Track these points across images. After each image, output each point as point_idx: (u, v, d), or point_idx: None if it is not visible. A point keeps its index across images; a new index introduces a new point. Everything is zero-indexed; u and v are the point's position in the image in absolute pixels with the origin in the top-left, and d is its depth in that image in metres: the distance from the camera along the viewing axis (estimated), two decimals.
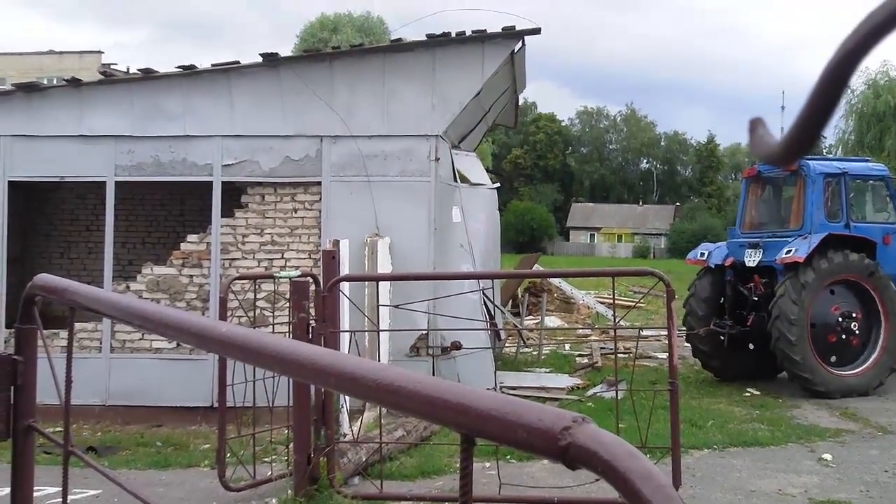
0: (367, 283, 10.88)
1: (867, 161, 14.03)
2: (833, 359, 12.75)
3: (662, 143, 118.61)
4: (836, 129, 49.09)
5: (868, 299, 12.98)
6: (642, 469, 1.14)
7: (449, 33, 11.74)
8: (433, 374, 10.63)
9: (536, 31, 11.92)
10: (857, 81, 48.27)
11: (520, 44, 12.07)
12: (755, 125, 1.09)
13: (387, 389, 1.47)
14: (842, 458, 9.21)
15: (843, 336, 12.80)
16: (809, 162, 13.58)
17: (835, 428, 10.71)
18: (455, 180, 12.28)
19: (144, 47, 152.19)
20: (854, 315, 12.86)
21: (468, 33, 11.73)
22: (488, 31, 11.73)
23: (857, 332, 12.86)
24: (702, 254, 14.34)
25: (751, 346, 14.05)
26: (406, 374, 1.47)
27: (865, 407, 11.89)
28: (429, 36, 11.77)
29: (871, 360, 12.85)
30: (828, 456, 9.26)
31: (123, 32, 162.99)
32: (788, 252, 12.56)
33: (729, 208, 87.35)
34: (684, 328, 14.17)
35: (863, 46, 0.88)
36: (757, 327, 13.19)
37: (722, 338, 13.59)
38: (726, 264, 13.84)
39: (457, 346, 11.33)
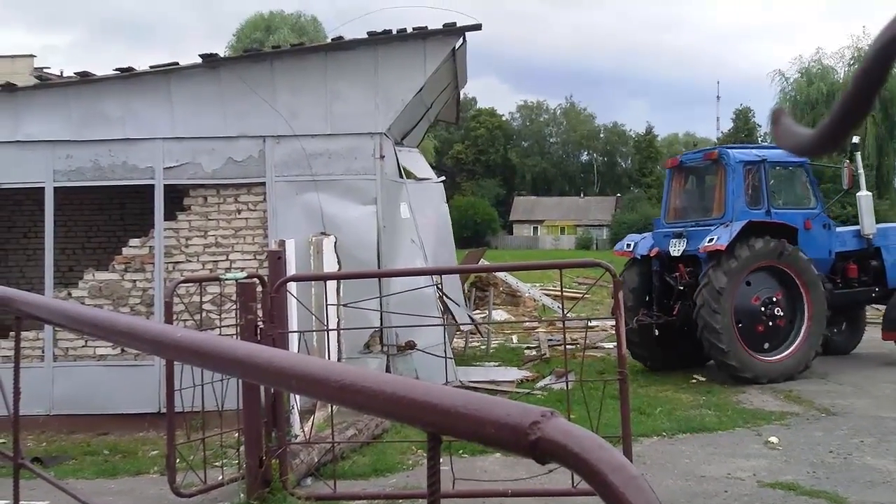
0: (313, 282, 10.81)
1: None
2: (766, 345, 12.94)
3: (602, 136, 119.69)
4: (769, 117, 50.14)
5: (788, 280, 13.13)
6: (613, 461, 1.14)
7: (390, 31, 11.72)
8: (388, 372, 10.65)
9: (477, 28, 11.95)
10: (791, 69, 49.38)
11: (461, 40, 12.09)
12: (779, 115, 1.09)
13: (351, 390, 1.46)
14: (788, 441, 9.38)
15: (770, 322, 12.97)
16: (729, 150, 13.81)
17: (780, 411, 10.91)
18: (401, 176, 12.27)
19: (76, 49, 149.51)
20: (776, 299, 13.02)
21: (409, 30, 11.72)
22: (429, 28, 11.72)
23: (782, 314, 13.02)
24: (628, 245, 14.45)
25: (675, 337, 14.10)
26: (369, 374, 1.46)
27: (809, 389, 12.14)
28: (370, 34, 11.74)
29: (795, 345, 13.01)
30: (774, 439, 9.44)
31: (53, 35, 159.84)
32: (710, 240, 12.69)
33: None
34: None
35: None
36: (683, 317, 13.34)
37: (656, 330, 13.74)
38: (651, 255, 13.97)
39: (411, 345, 11.30)
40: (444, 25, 11.79)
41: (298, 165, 11.61)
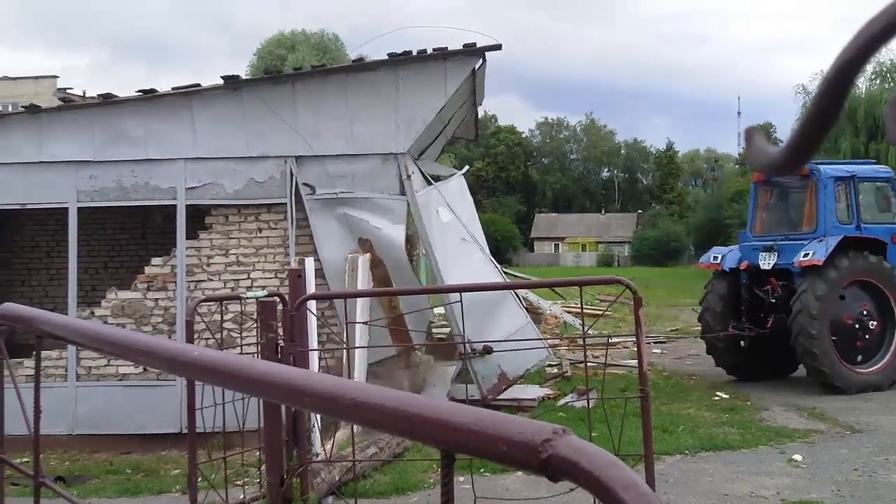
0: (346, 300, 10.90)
1: (873, 164, 14.51)
2: (850, 356, 13.12)
3: (623, 152, 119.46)
4: (792, 133, 49.83)
5: (884, 300, 13.40)
6: (625, 478, 1.14)
7: (410, 52, 11.77)
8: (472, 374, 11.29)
9: (497, 48, 11.97)
10: (813, 84, 49.15)
11: (480, 60, 12.12)
12: (751, 135, 1.10)
13: (364, 407, 1.47)
14: (812, 459, 9.30)
15: (860, 334, 13.20)
16: (820, 166, 14.02)
17: (804, 429, 10.81)
18: (428, 183, 12.37)
19: (96, 70, 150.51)
20: (871, 315, 13.27)
21: (429, 51, 11.77)
22: (449, 49, 11.77)
23: (874, 331, 13.27)
24: (714, 257, 14.75)
25: (764, 348, 14.31)
26: (383, 392, 1.46)
27: (833, 407, 12.02)
28: (390, 55, 11.79)
29: (887, 358, 13.27)
30: (798, 457, 9.35)
31: (74, 56, 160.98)
32: (806, 255, 12.94)
33: (690, 214, 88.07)
34: (698, 327, 14.89)
35: (862, 55, 0.89)
36: (777, 329, 13.49)
37: (742, 342, 14.01)
38: (741, 267, 14.16)
39: (488, 350, 11.41)
40: (464, 46, 11.83)
41: (321, 185, 11.67)
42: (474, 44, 11.86)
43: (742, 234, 15.20)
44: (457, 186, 13.00)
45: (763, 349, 14.29)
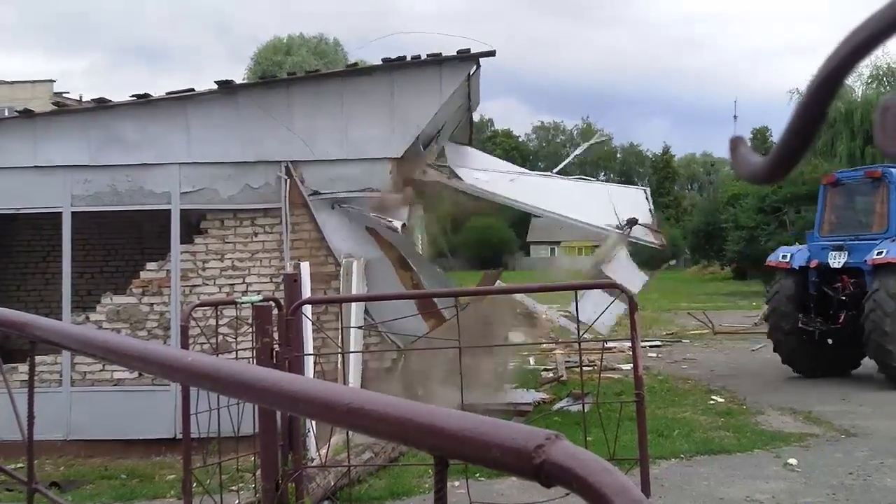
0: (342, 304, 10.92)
1: None
2: None
3: (619, 156, 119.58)
4: (777, 141, 50.17)
5: None
6: (617, 485, 1.14)
7: (405, 57, 11.78)
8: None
9: (491, 54, 11.98)
10: None
11: (475, 66, 12.14)
12: (736, 144, 1.10)
13: (358, 413, 1.46)
14: (807, 463, 9.30)
15: None
16: (892, 169, 14.37)
17: (799, 433, 10.82)
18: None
19: (94, 74, 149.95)
20: None
21: (424, 57, 11.78)
22: (444, 55, 11.78)
23: None
24: (783, 256, 15.07)
25: (828, 345, 14.61)
26: (378, 398, 1.46)
27: (829, 411, 12.04)
28: (385, 60, 11.80)
29: None
30: (793, 461, 9.35)
31: (72, 59, 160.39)
32: (880, 253, 13.21)
33: (686, 218, 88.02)
34: (764, 322, 15.74)
35: (845, 65, 0.90)
36: (848, 325, 13.72)
37: (815, 336, 14.25)
38: (811, 266, 14.43)
39: (634, 220, 12.51)
40: (458, 52, 11.84)
41: (317, 190, 11.66)
42: (468, 50, 11.88)
43: (810, 235, 15.54)
44: (460, 151, 13.27)
45: (828, 347, 14.60)
